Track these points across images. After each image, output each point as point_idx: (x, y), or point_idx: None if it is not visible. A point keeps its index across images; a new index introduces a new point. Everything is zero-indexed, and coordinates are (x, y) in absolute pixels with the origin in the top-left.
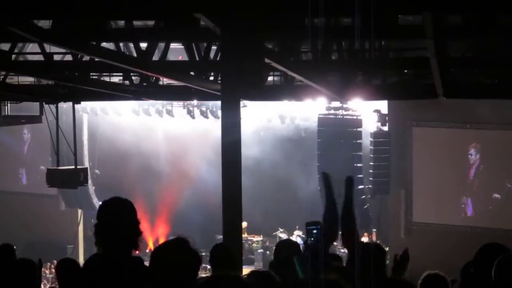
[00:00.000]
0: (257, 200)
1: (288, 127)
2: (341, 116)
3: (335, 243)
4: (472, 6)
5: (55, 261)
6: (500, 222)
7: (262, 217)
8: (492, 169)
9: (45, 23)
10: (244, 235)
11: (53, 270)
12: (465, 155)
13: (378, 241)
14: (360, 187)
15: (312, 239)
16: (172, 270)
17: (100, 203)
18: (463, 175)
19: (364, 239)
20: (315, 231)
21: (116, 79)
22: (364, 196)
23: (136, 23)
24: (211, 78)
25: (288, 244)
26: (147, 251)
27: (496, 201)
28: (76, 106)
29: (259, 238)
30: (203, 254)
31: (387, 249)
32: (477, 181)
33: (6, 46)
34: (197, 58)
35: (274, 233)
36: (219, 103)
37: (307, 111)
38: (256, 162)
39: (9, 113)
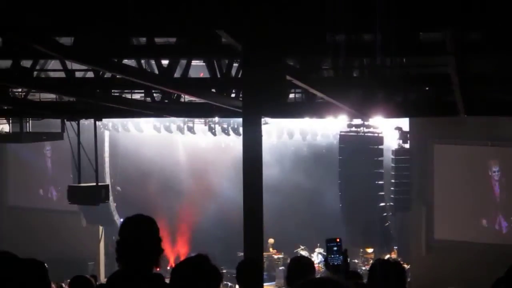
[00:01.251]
0: (278, 217)
1: (309, 144)
2: (363, 134)
3: (355, 260)
4: (492, 23)
5: None
6: None
7: (283, 234)
8: None
9: (67, 40)
10: (270, 252)
11: None
12: (487, 172)
13: (399, 259)
14: (381, 204)
15: (332, 256)
16: (193, 287)
17: (122, 219)
18: (485, 192)
19: (386, 256)
20: (335, 248)
21: (138, 96)
22: (385, 214)
23: (158, 40)
24: (233, 95)
25: (300, 260)
26: (168, 268)
27: None
28: (98, 122)
29: (280, 255)
30: (224, 271)
31: (408, 266)
32: (504, 198)
33: (28, 63)
34: (219, 75)
35: (295, 250)
36: (240, 120)
37: (328, 128)
38: (277, 179)
39: (31, 130)
